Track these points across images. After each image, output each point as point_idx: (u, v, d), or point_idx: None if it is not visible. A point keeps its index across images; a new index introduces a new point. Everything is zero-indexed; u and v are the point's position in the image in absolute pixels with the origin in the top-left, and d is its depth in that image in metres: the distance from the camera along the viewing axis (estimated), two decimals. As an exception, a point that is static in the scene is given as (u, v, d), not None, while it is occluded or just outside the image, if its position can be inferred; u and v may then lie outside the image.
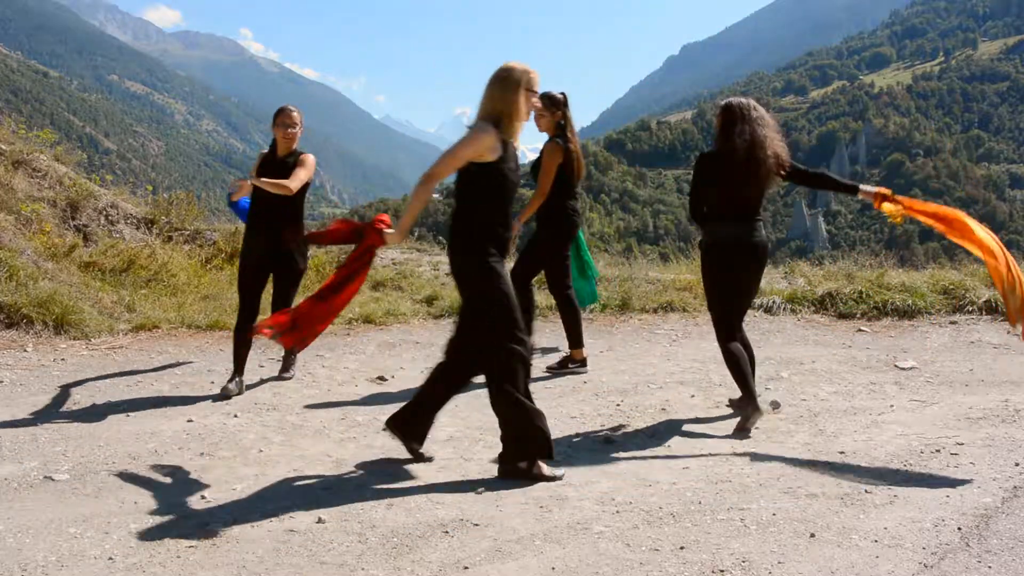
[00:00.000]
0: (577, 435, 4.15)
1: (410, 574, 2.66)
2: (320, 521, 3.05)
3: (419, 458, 3.70)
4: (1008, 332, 6.17)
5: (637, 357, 5.84)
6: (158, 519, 3.06)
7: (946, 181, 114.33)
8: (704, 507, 3.17)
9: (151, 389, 4.88)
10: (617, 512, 3.14)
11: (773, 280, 7.96)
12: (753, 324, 6.75)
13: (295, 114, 4.97)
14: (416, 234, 11.53)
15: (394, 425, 3.69)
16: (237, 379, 4.85)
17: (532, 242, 5.35)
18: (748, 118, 4.01)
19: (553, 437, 4.09)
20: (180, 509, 3.15)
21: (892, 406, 4.60)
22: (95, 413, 4.39)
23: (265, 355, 5.71)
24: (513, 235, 4.04)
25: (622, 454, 3.87)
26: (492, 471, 3.60)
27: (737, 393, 4.30)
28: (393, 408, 4.55)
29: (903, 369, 5.42)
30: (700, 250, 4.34)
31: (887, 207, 4.09)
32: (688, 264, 8.69)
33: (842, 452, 3.79)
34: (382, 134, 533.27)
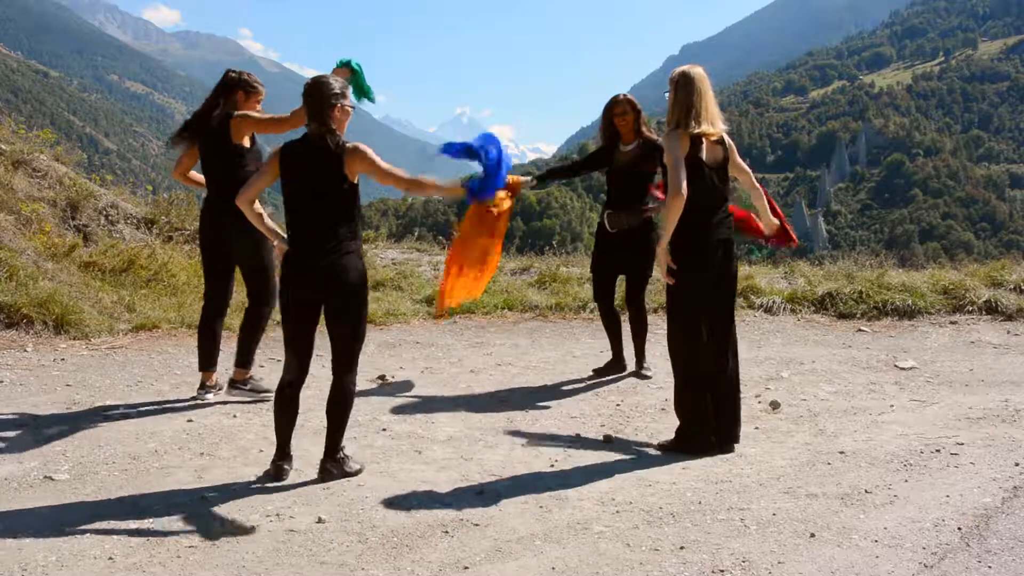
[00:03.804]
0: (577, 435, 4.15)
1: (410, 574, 2.67)
2: (320, 521, 3.05)
3: None
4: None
5: (637, 357, 5.83)
6: (158, 519, 3.06)
7: (946, 181, 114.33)
8: (704, 507, 3.17)
9: (151, 389, 4.88)
10: (617, 512, 3.14)
11: (773, 280, 7.96)
12: (753, 324, 6.76)
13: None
14: (416, 234, 11.51)
15: None
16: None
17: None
18: None
19: (553, 437, 4.10)
20: (180, 509, 3.15)
21: (892, 406, 4.60)
22: (95, 413, 4.39)
23: (264, 355, 5.71)
24: None
25: (622, 454, 3.87)
26: (492, 471, 3.60)
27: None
28: (393, 408, 4.58)
29: (903, 369, 5.42)
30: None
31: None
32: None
33: (842, 452, 3.79)
34: (382, 134, 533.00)
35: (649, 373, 5.21)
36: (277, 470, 3.47)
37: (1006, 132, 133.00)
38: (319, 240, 3.36)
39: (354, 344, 3.45)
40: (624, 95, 5.09)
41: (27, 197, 7.51)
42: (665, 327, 4.01)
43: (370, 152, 3.36)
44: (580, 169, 5.52)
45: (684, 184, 3.63)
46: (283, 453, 3.50)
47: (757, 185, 4.11)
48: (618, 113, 5.00)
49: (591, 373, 5.29)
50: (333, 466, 3.48)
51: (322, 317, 3.48)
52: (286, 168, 3.43)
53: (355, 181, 3.40)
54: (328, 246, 3.35)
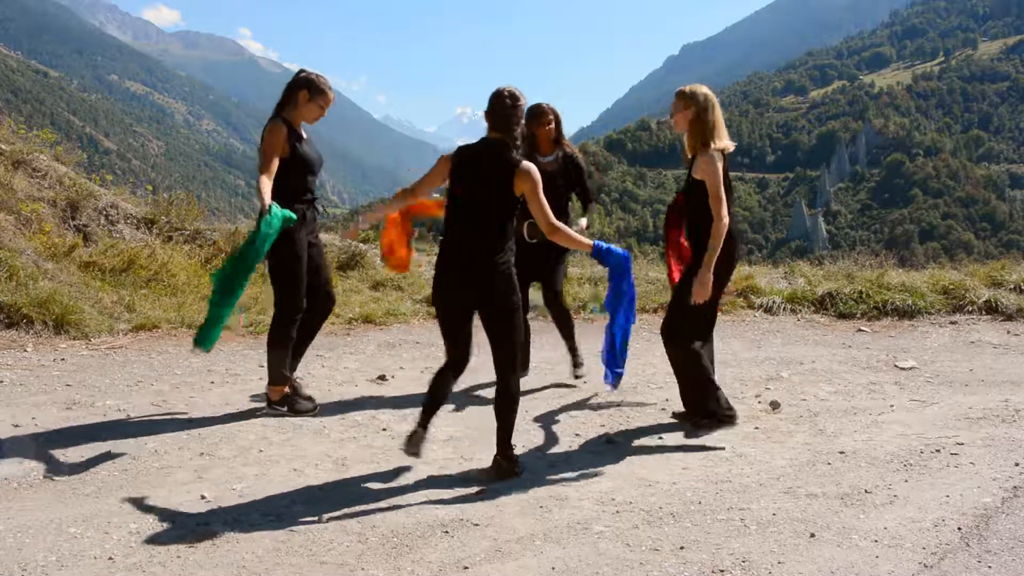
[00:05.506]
0: (577, 435, 4.15)
1: (410, 574, 2.67)
2: (320, 521, 3.05)
3: None
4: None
5: (637, 357, 5.83)
6: (158, 519, 3.06)
7: (946, 181, 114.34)
8: (704, 507, 3.17)
9: (151, 389, 4.88)
10: (617, 512, 3.14)
11: (773, 280, 7.96)
12: (753, 324, 6.76)
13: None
14: (416, 234, 11.49)
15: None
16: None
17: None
18: None
19: (553, 437, 4.10)
20: (180, 509, 3.15)
21: (892, 406, 4.61)
22: (95, 413, 4.39)
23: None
24: None
25: (622, 454, 3.87)
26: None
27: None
28: (393, 408, 4.58)
29: (903, 369, 5.42)
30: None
31: None
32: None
33: (842, 452, 3.79)
34: (382, 134, 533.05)
35: (581, 373, 5.14)
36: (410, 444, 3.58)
37: (1006, 132, 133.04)
38: (481, 247, 3.45)
39: (510, 345, 3.54)
40: (547, 104, 4.84)
41: (27, 197, 7.50)
42: (663, 327, 4.02)
43: (536, 176, 3.45)
44: None
45: (726, 211, 3.82)
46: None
47: None
48: (545, 123, 4.81)
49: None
50: (506, 463, 3.55)
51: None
52: (460, 172, 3.51)
53: (519, 197, 3.47)
54: (487, 254, 3.45)
